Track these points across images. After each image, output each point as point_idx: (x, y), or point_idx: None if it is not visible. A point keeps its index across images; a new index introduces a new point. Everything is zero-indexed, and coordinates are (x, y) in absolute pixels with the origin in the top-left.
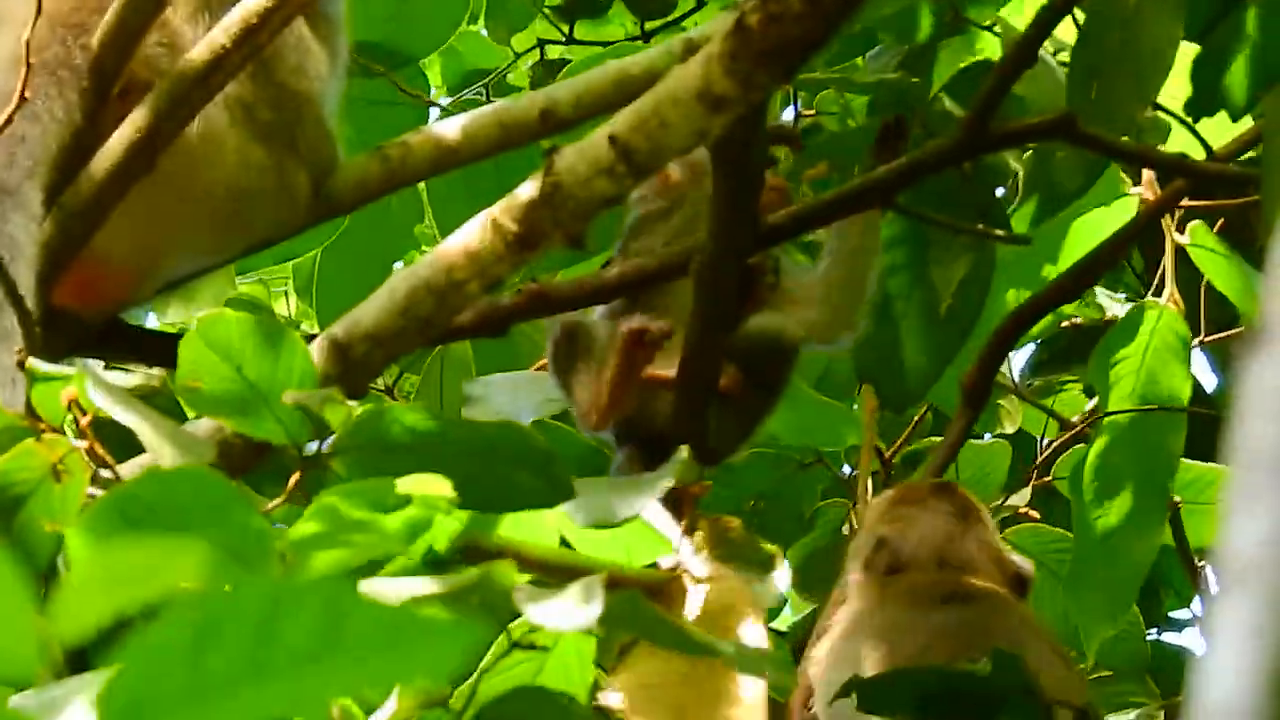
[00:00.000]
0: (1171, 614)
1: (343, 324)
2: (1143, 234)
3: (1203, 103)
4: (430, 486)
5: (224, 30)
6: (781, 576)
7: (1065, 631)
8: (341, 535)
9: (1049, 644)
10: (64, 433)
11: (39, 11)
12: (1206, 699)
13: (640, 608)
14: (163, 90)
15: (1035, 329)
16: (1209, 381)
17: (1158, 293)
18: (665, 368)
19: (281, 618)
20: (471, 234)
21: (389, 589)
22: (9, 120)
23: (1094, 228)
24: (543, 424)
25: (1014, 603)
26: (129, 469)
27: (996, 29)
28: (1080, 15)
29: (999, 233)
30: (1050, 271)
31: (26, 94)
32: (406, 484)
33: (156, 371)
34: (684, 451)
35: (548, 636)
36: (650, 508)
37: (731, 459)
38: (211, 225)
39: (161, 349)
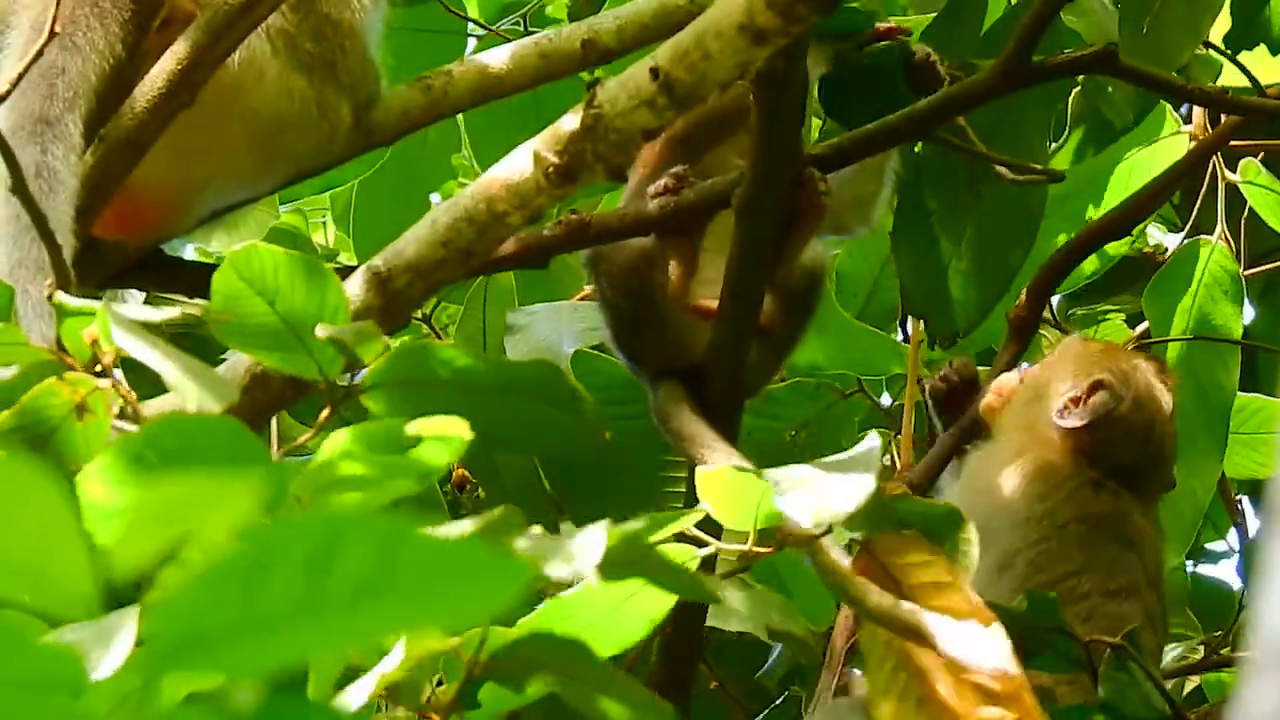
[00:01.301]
0: (1208, 546)
1: (384, 255)
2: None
3: (1243, 36)
4: (446, 427)
5: None
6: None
7: None
8: (355, 477)
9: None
10: (94, 367)
11: None
12: (1261, 636)
13: (642, 552)
14: (204, 21)
15: (1083, 266)
16: (1248, 313)
17: (1195, 226)
18: (707, 299)
19: (335, 553)
20: (513, 166)
21: None
22: (39, 53)
23: (1142, 165)
24: (582, 354)
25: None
26: (159, 405)
27: None
28: None
29: (1037, 167)
30: (1095, 211)
31: (68, 26)
32: (419, 426)
33: (199, 302)
34: (875, 436)
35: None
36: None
37: (771, 387)
38: (252, 156)
39: (202, 279)
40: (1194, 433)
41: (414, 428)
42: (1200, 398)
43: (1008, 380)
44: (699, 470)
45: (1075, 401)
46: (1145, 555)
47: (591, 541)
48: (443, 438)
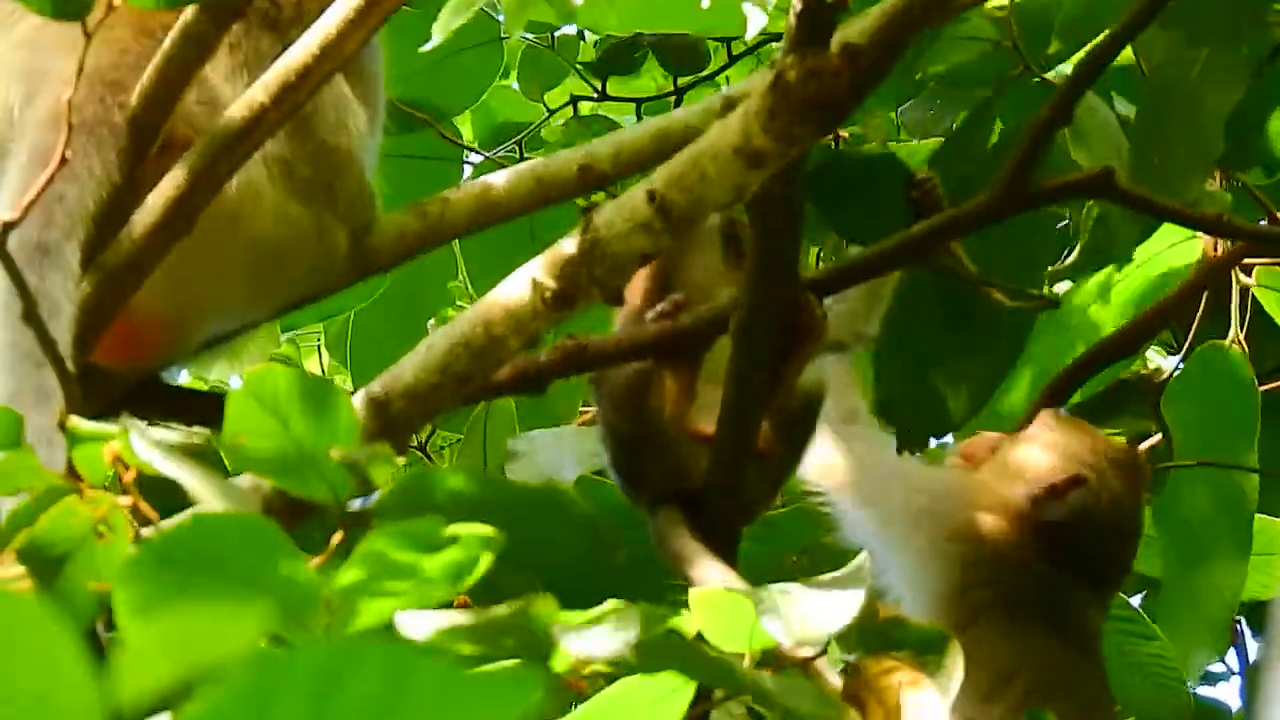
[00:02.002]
0: (1208, 667)
1: (382, 380)
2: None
3: (1238, 158)
4: (481, 530)
5: (263, 88)
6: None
7: None
8: (388, 581)
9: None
10: (117, 484)
11: (80, 70)
12: None
13: (676, 640)
14: (201, 148)
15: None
16: None
17: (1192, 347)
18: (705, 425)
19: (340, 679)
20: (509, 290)
21: (420, 622)
22: (50, 181)
23: (1153, 271)
24: (585, 479)
25: None
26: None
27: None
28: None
29: (1033, 293)
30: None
31: (66, 154)
32: (455, 527)
33: (197, 430)
34: (865, 556)
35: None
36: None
37: (771, 512)
38: (249, 283)
39: (200, 407)
40: (1217, 537)
41: (452, 528)
42: (1221, 503)
43: (979, 445)
44: (691, 591)
45: (1052, 490)
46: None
47: (626, 622)
48: (480, 536)
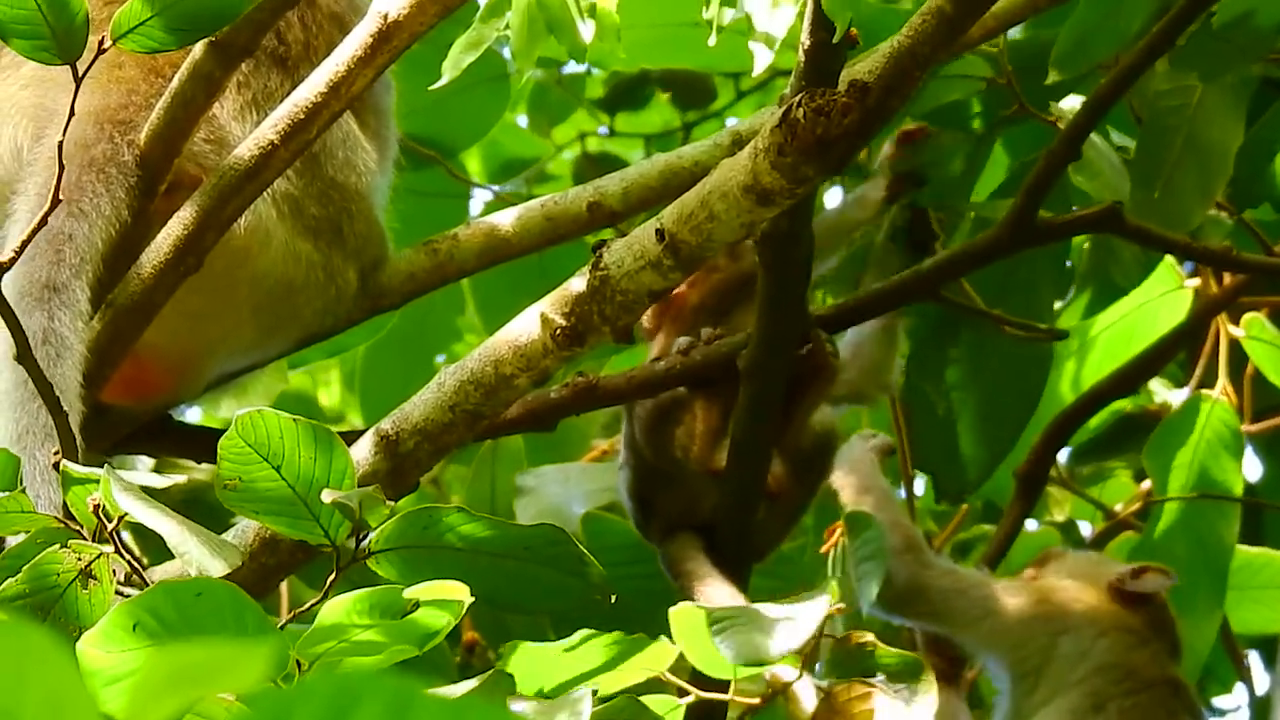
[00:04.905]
0: (1215, 701)
1: (392, 418)
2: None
3: (1246, 194)
4: (446, 591)
5: (272, 126)
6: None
7: None
8: (357, 642)
9: None
10: (104, 531)
11: (72, 112)
12: None
13: (633, 714)
14: (210, 187)
15: (1090, 422)
16: (1253, 468)
17: (1201, 380)
18: (716, 459)
19: (347, 714)
20: (519, 328)
21: None
22: (43, 220)
23: (1145, 319)
24: (592, 515)
25: None
26: (165, 570)
27: (1060, 123)
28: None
29: (1041, 326)
30: (1101, 368)
31: (74, 192)
32: (419, 590)
33: (207, 467)
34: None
35: None
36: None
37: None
38: (259, 320)
39: (211, 445)
40: (1194, 586)
41: (413, 592)
42: (1200, 551)
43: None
44: (670, 611)
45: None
46: None
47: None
48: (443, 601)
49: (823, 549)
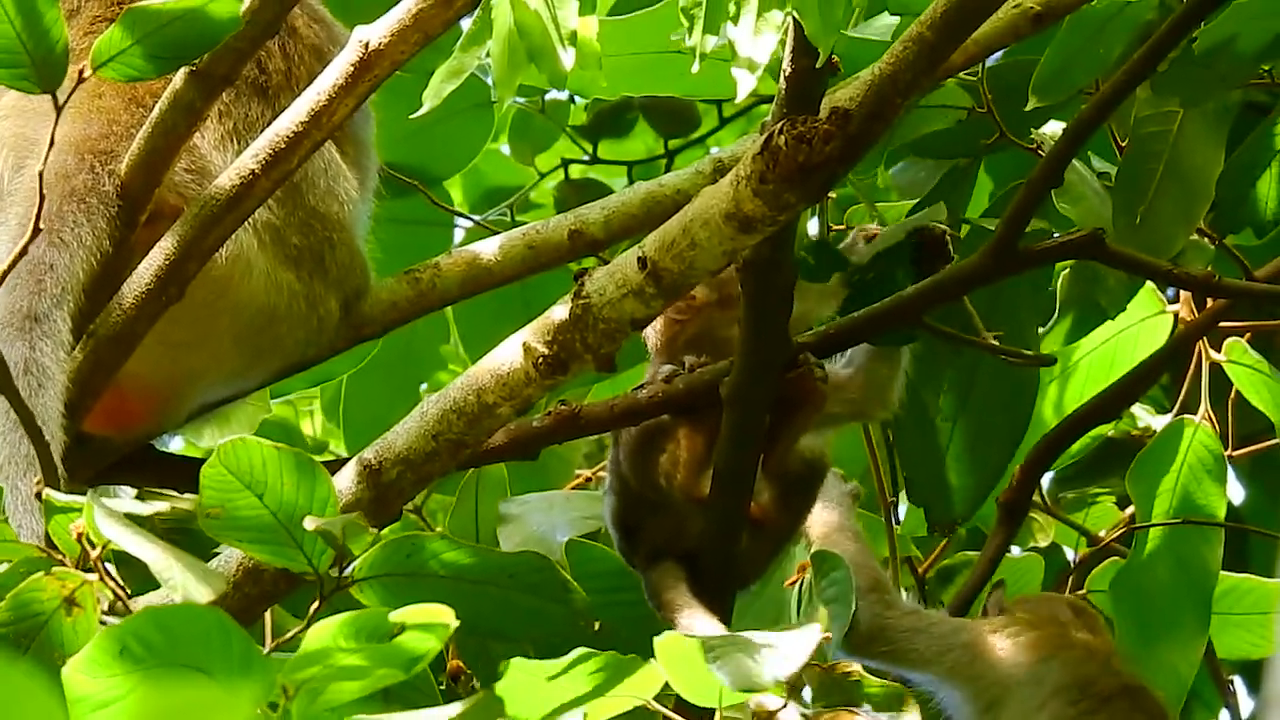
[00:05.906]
0: None
1: (375, 447)
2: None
3: (1228, 219)
4: (431, 615)
5: (253, 155)
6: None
7: None
8: (342, 667)
9: None
10: (88, 559)
11: (51, 143)
12: None
13: None
14: (191, 216)
15: (1073, 448)
16: (1237, 493)
17: (1184, 407)
18: (700, 487)
19: None
20: (502, 357)
21: None
22: (24, 250)
23: (1126, 345)
24: (576, 543)
25: None
26: (150, 599)
27: (1041, 150)
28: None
29: (1026, 352)
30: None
31: (55, 222)
32: (404, 614)
33: (190, 497)
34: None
35: None
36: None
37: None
38: (240, 349)
39: (194, 474)
40: (1179, 611)
41: (398, 616)
42: (1184, 576)
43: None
44: (656, 640)
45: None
46: None
47: None
48: (428, 625)
49: (786, 584)
